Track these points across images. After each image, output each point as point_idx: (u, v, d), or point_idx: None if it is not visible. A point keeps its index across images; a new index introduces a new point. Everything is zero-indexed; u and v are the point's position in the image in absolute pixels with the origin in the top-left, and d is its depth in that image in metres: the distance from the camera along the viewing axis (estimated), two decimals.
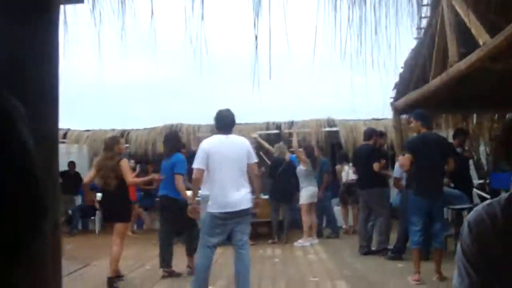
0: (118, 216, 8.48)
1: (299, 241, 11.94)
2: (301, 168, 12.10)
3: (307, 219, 12.07)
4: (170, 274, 8.89)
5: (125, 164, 8.43)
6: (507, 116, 12.26)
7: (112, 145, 8.58)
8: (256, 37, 3.21)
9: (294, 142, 12.50)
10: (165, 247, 9.01)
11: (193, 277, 7.15)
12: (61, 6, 2.43)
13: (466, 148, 10.91)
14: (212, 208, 6.65)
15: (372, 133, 10.79)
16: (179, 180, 8.64)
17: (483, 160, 14.21)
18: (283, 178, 12.20)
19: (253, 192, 6.94)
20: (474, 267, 1.70)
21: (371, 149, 10.39)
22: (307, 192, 11.98)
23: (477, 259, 1.70)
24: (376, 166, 10.00)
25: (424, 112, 8.50)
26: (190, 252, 8.93)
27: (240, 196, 6.57)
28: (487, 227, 1.69)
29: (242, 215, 6.63)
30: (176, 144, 9.30)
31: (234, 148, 6.74)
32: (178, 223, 8.87)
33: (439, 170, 8.03)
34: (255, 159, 6.93)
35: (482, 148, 14.46)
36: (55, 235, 2.09)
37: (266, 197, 11.97)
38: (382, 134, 11.26)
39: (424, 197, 7.85)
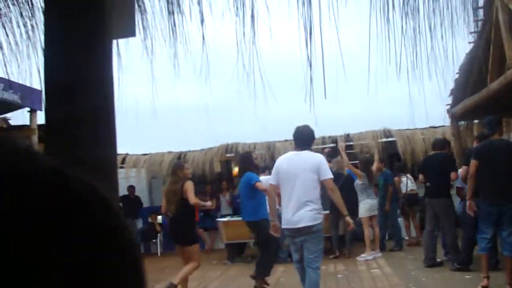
0: (184, 239, 8.59)
1: (362, 255, 11.78)
2: (357, 182, 11.99)
3: (368, 233, 11.93)
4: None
5: (189, 186, 8.48)
6: None
7: (175, 171, 8.81)
8: (309, 57, 3.19)
9: (345, 158, 12.27)
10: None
11: None
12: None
13: None
14: (283, 224, 6.78)
15: (445, 143, 10.56)
16: (261, 186, 8.73)
17: None
18: (342, 192, 12.05)
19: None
20: None
21: (447, 158, 10.14)
22: (365, 205, 11.87)
23: None
24: (453, 175, 9.76)
25: (490, 118, 8.27)
26: (257, 272, 9.06)
27: (302, 213, 6.49)
28: None
29: (306, 233, 6.51)
30: (246, 166, 9.40)
31: (300, 165, 6.64)
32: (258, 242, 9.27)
33: (507, 176, 7.72)
34: (329, 175, 6.72)
35: None
36: None
37: (327, 212, 11.94)
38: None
39: (492, 204, 7.68)
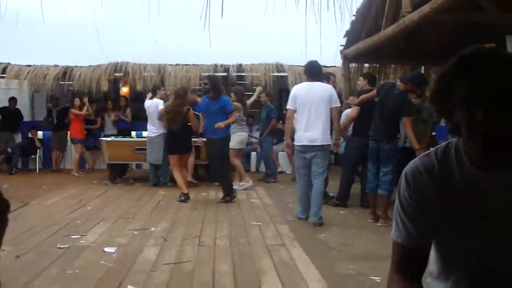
0: (184, 148, 10.63)
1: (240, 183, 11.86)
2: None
3: (238, 163, 11.97)
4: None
5: (192, 113, 10.65)
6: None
7: (182, 95, 10.56)
8: None
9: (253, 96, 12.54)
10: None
11: None
12: None
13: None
14: (300, 141, 8.21)
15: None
16: (235, 116, 10.32)
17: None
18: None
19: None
20: (411, 220, 1.73)
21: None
22: (238, 137, 11.82)
23: (414, 212, 1.72)
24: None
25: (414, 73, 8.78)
26: (226, 192, 10.22)
27: (317, 133, 8.02)
28: (424, 180, 1.69)
29: (318, 150, 8.08)
30: (219, 88, 10.31)
31: (316, 94, 8.09)
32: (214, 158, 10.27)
33: (389, 120, 8.22)
34: (337, 104, 8.28)
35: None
36: None
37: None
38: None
39: (373, 141, 8.26)
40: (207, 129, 10.25)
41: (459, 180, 1.67)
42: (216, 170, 10.48)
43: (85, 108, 14.77)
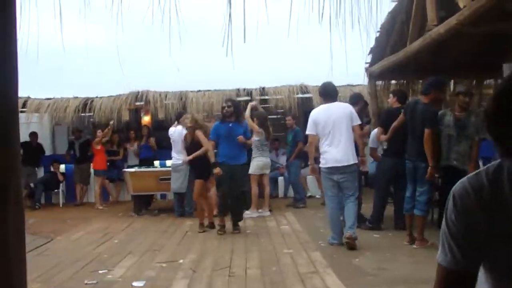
0: (208, 173, 10.20)
1: (247, 212, 11.39)
2: (254, 138, 11.28)
3: (255, 190, 11.71)
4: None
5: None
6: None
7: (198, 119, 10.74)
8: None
9: (247, 112, 11.73)
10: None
11: None
12: None
13: None
14: (326, 164, 8.15)
15: (359, 98, 10.18)
16: (251, 141, 10.39)
17: None
18: None
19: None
20: (458, 244, 1.66)
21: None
22: (258, 163, 11.58)
23: (461, 235, 1.65)
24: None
25: (432, 78, 8.28)
26: (236, 218, 9.93)
27: (342, 153, 7.99)
28: (472, 201, 1.62)
29: (344, 171, 8.05)
30: (241, 113, 10.33)
31: (336, 113, 8.09)
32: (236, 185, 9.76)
33: (420, 137, 7.83)
34: (358, 121, 8.26)
35: None
36: (17, 209, 1.96)
37: None
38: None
39: (409, 161, 8.05)
40: (229, 155, 9.62)
41: (510, 199, 1.58)
42: (237, 196, 9.93)
43: (107, 128, 14.60)
